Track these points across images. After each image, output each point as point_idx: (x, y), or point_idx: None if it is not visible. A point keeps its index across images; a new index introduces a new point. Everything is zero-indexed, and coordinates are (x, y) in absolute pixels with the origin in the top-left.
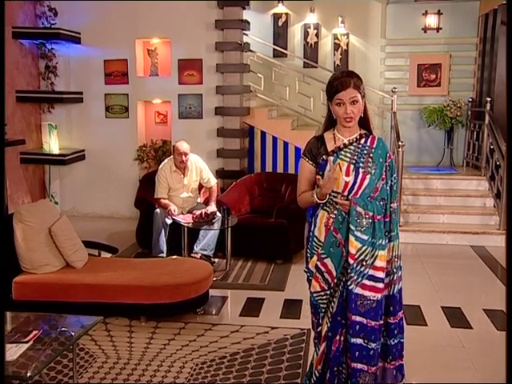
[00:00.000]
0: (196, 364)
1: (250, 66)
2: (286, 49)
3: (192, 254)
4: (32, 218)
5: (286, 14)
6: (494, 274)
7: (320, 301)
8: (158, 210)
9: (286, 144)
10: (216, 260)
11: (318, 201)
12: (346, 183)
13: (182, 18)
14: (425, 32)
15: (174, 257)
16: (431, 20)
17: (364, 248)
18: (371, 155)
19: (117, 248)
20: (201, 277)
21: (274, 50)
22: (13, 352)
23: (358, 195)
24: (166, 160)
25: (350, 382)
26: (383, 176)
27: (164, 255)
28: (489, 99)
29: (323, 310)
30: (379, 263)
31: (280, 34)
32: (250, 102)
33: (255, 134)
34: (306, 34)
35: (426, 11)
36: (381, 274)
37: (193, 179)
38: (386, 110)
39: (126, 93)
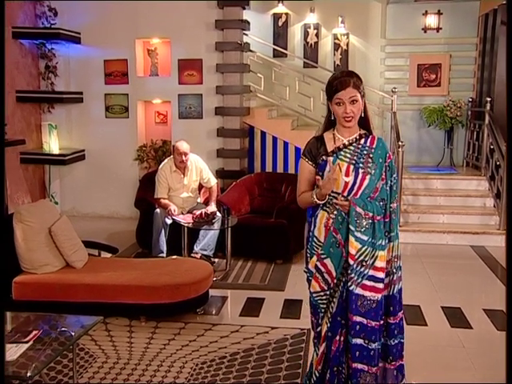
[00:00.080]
0: (196, 364)
1: (249, 66)
2: (286, 49)
3: (192, 254)
4: (32, 218)
5: (286, 13)
6: (494, 274)
7: (320, 301)
8: (158, 210)
9: (286, 144)
10: (216, 260)
11: (318, 201)
12: (346, 183)
13: (182, 18)
14: (425, 32)
15: (174, 257)
16: (431, 20)
17: (364, 248)
18: (371, 155)
19: (117, 248)
20: (201, 277)
21: (274, 49)
22: (13, 352)
23: (358, 196)
24: (166, 160)
25: (351, 383)
26: (383, 176)
27: (164, 255)
28: (489, 99)
29: (323, 310)
30: (379, 263)
31: (280, 34)
32: (250, 102)
33: (255, 133)
34: (306, 34)
35: (426, 11)
36: (381, 275)
37: (193, 179)
38: (385, 110)
39: (126, 93)
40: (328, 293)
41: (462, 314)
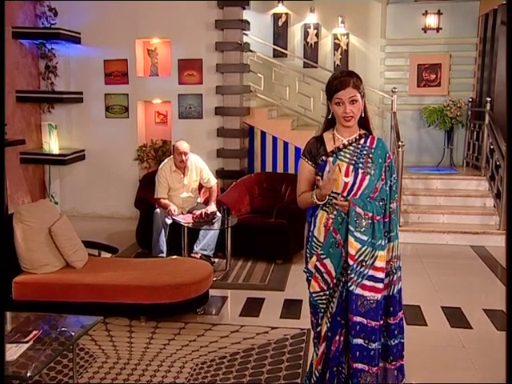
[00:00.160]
0: (196, 364)
1: (249, 66)
2: (286, 49)
3: (192, 254)
4: (32, 218)
5: (286, 14)
6: (494, 274)
7: (319, 301)
8: (157, 210)
9: (285, 144)
10: (216, 260)
11: (318, 202)
12: (346, 184)
13: (182, 18)
14: (425, 32)
15: (174, 257)
16: (431, 20)
17: (364, 249)
18: (370, 156)
19: (117, 248)
20: (201, 277)
21: (274, 50)
22: (13, 352)
23: (358, 196)
24: (166, 160)
25: (352, 383)
26: (382, 176)
27: (164, 255)
28: (489, 99)
29: (322, 311)
30: (379, 264)
31: (280, 34)
32: (250, 102)
33: (255, 134)
34: (306, 34)
35: (426, 11)
36: (381, 275)
37: (193, 179)
38: (385, 110)
39: (126, 93)
40: (327, 293)
41: (462, 314)
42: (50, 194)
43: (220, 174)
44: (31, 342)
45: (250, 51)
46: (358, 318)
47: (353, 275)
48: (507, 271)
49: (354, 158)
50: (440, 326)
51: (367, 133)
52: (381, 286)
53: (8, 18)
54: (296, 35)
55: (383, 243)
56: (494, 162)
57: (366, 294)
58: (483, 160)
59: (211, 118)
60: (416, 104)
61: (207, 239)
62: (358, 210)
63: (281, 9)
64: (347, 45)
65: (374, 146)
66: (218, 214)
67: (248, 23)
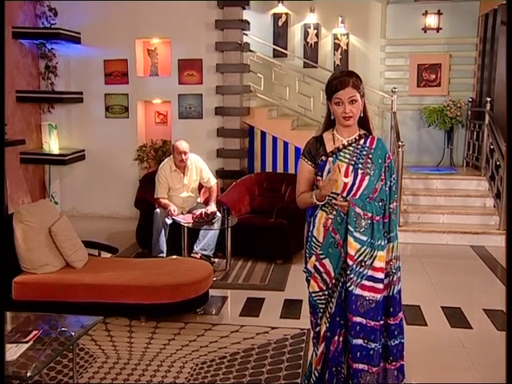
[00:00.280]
0: (196, 364)
1: (249, 66)
2: (286, 49)
3: (192, 254)
4: (32, 218)
5: (286, 13)
6: (494, 274)
7: (318, 301)
8: (158, 210)
9: (285, 144)
10: (216, 260)
11: (317, 202)
12: (345, 184)
13: (182, 18)
14: (425, 32)
15: (174, 257)
16: (431, 20)
17: (363, 249)
18: (370, 156)
19: (117, 248)
20: (201, 277)
21: (274, 50)
22: (13, 352)
23: (357, 196)
24: (165, 160)
25: (352, 383)
26: (382, 177)
27: (164, 255)
28: (489, 99)
29: (322, 310)
30: (378, 264)
31: (280, 33)
32: (250, 102)
33: (255, 134)
34: (306, 34)
35: (426, 11)
36: (380, 275)
37: (193, 179)
38: (385, 110)
39: (126, 93)
40: (326, 293)
41: (462, 314)
42: (50, 194)
43: (220, 174)
44: (31, 342)
45: (250, 51)
46: (358, 319)
47: (352, 275)
48: (507, 271)
49: (354, 158)
50: (440, 326)
51: (367, 133)
52: (380, 286)
53: (8, 18)
54: (296, 35)
55: (383, 243)
56: (493, 161)
57: (366, 294)
58: (483, 160)
59: (211, 117)
60: (416, 104)
61: (207, 239)
62: (358, 210)
63: (281, 9)
64: (347, 45)
65: (373, 147)
66: (218, 213)
67: (248, 23)
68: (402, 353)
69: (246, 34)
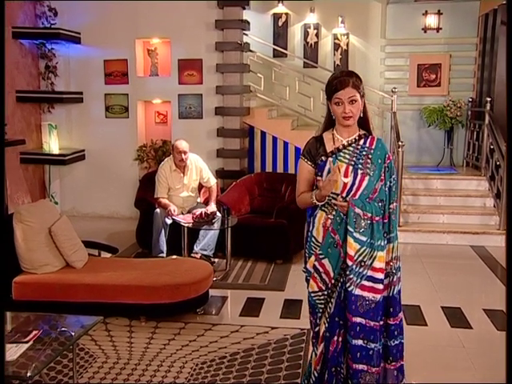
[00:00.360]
0: (196, 364)
1: (249, 66)
2: (286, 49)
3: (192, 254)
4: (32, 218)
5: (286, 13)
6: (494, 274)
7: (318, 301)
8: (157, 210)
9: (285, 144)
10: (216, 260)
11: (317, 202)
12: (345, 184)
13: (182, 18)
14: (425, 32)
15: (174, 257)
16: (431, 20)
17: (363, 249)
18: (370, 156)
19: (117, 248)
20: (201, 277)
21: (274, 50)
22: (13, 352)
23: (357, 196)
24: (165, 159)
25: (352, 383)
26: (382, 177)
27: (164, 255)
28: (489, 99)
29: (321, 310)
30: (378, 264)
31: (280, 33)
32: (250, 101)
33: (255, 134)
34: (306, 34)
35: (426, 11)
36: (380, 275)
37: (193, 178)
38: (385, 110)
39: (126, 93)
40: (326, 293)
41: (462, 314)
42: (50, 194)
43: (220, 173)
44: (31, 342)
45: (250, 51)
46: (358, 319)
47: (352, 276)
48: (507, 271)
49: (354, 158)
50: (440, 326)
51: (367, 133)
52: (380, 286)
53: (8, 18)
54: (296, 35)
55: (382, 244)
56: (493, 161)
57: (366, 294)
58: (483, 160)
59: (211, 118)
60: (416, 104)
61: (207, 239)
62: (357, 210)
63: (281, 9)
64: (347, 45)
65: (373, 147)
66: (218, 213)
67: (248, 23)
68: (401, 353)
69: (246, 34)
